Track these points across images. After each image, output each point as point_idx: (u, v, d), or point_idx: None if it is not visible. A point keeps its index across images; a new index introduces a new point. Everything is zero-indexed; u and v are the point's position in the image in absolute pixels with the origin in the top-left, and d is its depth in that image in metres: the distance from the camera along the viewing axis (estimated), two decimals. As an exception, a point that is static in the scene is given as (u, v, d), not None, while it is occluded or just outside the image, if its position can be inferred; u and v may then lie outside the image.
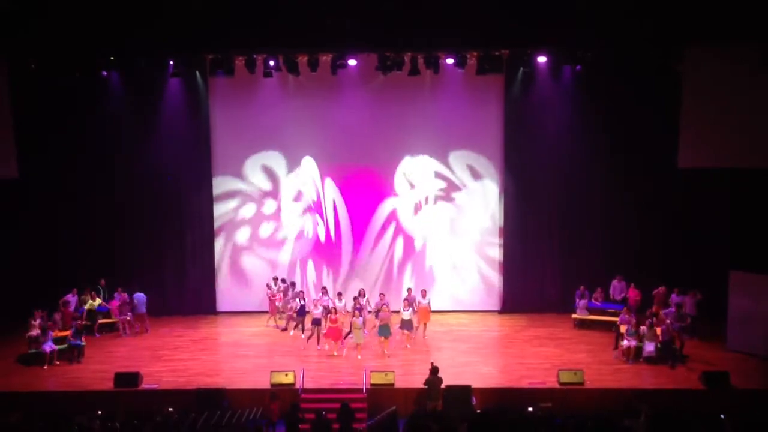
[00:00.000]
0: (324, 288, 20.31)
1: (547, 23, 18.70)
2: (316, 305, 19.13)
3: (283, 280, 21.30)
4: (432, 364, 15.66)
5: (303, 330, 19.69)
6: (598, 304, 20.54)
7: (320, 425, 13.66)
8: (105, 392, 16.29)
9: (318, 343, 18.83)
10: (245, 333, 20.51)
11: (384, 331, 18.46)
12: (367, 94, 21.45)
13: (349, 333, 18.53)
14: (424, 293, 19.73)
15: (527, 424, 13.38)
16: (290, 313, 20.10)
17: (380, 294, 19.86)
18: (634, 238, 21.40)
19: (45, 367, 17.72)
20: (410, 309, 19.09)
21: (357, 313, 18.65)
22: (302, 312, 19.68)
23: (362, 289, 20.21)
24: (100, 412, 14.52)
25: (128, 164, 21.50)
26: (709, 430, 12.56)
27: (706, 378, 16.30)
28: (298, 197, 22.20)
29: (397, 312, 19.32)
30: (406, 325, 18.93)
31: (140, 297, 20.45)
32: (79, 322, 18.90)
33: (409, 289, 20.22)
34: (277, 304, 20.80)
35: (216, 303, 22.28)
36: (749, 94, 18.97)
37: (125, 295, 20.44)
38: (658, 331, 17.77)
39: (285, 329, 20.31)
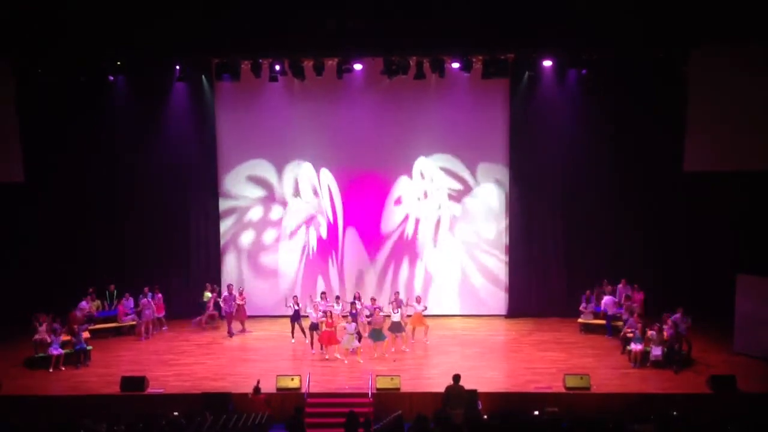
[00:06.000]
0: (324, 293, 20.30)
1: (553, 27, 18.77)
2: (316, 309, 19.12)
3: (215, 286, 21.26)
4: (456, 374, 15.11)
5: (293, 334, 19.74)
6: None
7: (352, 422, 13.76)
8: (111, 396, 16.32)
9: (312, 347, 18.85)
10: (250, 337, 20.55)
11: (376, 335, 18.48)
12: (372, 98, 21.46)
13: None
14: (419, 299, 19.70)
15: (533, 428, 13.37)
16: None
17: (371, 299, 19.85)
18: (639, 242, 21.37)
19: (50, 370, 17.77)
20: (398, 311, 19.03)
21: (350, 318, 18.64)
22: (296, 317, 19.61)
23: (357, 292, 20.19)
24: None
25: (134, 168, 21.56)
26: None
27: (713, 382, 16.24)
28: (303, 201, 22.21)
29: (389, 316, 19.25)
30: (395, 327, 18.89)
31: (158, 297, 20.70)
32: (78, 326, 18.84)
33: (396, 293, 20.19)
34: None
35: (221, 307, 22.28)
36: (755, 95, 18.97)
37: (131, 300, 20.54)
38: (665, 335, 17.72)
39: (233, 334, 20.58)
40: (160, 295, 20.88)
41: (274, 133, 21.80)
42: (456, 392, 14.62)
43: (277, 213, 22.28)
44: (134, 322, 20.73)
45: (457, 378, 14.76)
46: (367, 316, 19.38)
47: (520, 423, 13.25)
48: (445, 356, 18.64)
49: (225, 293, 20.71)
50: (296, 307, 19.65)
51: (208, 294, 21.06)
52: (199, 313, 21.15)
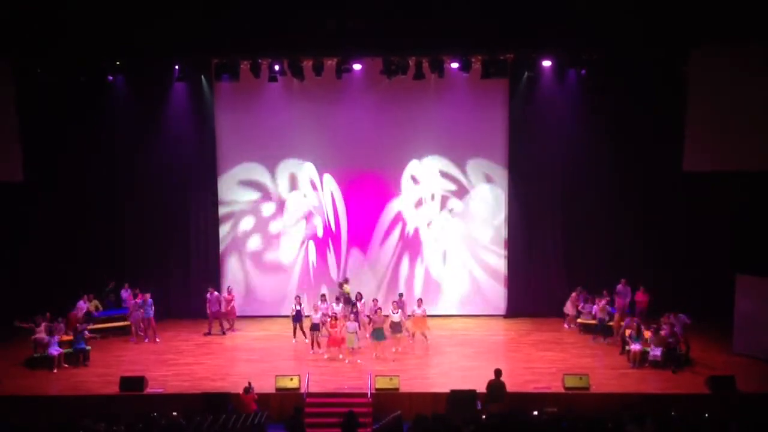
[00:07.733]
0: (323, 295, 20.29)
1: (552, 27, 18.74)
2: (316, 310, 19.12)
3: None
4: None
5: (294, 334, 19.78)
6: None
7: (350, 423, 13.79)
8: (110, 396, 16.34)
9: (320, 347, 18.84)
10: (249, 337, 20.56)
11: (377, 334, 18.48)
12: (371, 98, 21.45)
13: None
14: (419, 302, 19.65)
15: (533, 428, 13.36)
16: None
17: (373, 300, 19.85)
18: (639, 242, 21.36)
19: (54, 371, 17.79)
20: (399, 312, 19.01)
21: (352, 317, 18.64)
22: (298, 317, 19.64)
23: (359, 293, 20.21)
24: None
25: (133, 168, 21.57)
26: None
27: (712, 382, 16.24)
28: (302, 201, 22.20)
29: (389, 316, 19.23)
30: (394, 327, 18.86)
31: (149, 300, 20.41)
32: (79, 325, 18.86)
33: (400, 294, 20.29)
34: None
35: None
36: (755, 95, 18.92)
37: (136, 298, 20.41)
38: (662, 334, 17.71)
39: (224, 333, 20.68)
40: (142, 296, 20.20)
41: (273, 133, 21.79)
42: (497, 386, 14.89)
43: (277, 213, 22.26)
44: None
45: (498, 372, 15.02)
46: (368, 316, 19.39)
47: (520, 423, 13.24)
48: (443, 356, 18.65)
49: (212, 293, 20.65)
50: (298, 308, 19.67)
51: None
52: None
